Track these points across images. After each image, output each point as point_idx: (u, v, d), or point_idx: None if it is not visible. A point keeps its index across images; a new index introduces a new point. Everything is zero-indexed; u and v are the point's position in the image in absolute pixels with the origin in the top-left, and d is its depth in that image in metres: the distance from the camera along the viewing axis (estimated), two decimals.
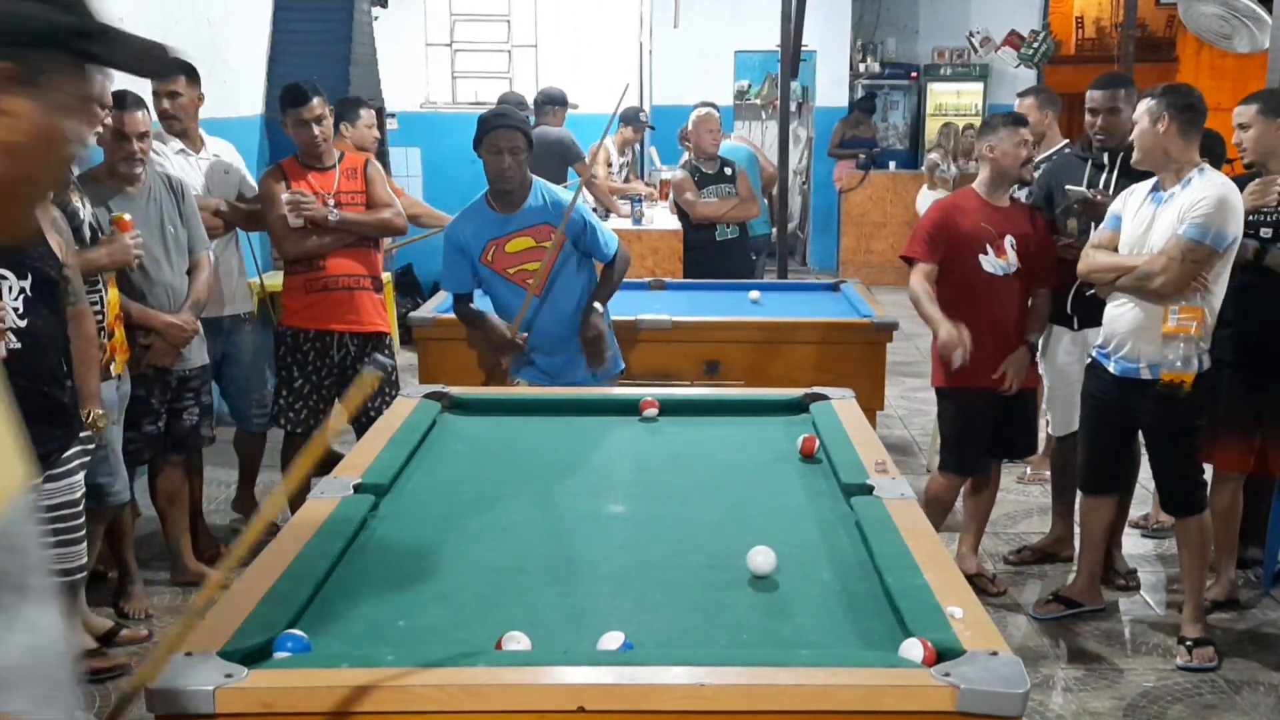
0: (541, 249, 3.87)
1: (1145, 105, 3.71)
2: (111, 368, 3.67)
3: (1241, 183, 3.90)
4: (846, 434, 2.93)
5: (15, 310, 3.01)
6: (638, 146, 9.31)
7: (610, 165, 7.79)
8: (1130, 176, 4.03)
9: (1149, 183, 3.79)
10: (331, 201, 4.33)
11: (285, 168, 4.41)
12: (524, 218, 3.91)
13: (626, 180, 8.20)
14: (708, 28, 10.97)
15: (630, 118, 8.09)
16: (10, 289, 2.99)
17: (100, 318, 3.55)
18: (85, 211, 3.64)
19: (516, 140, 3.84)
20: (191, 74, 4.56)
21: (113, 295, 3.70)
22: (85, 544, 3.31)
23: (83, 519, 3.28)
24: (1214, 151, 4.68)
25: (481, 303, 4.14)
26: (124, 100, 3.93)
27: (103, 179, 3.98)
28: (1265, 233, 3.88)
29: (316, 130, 4.31)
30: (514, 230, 3.89)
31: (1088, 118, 4.36)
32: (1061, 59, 12.02)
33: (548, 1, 10.05)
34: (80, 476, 3.26)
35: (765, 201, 7.71)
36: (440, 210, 5.86)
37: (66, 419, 3.19)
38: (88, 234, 3.62)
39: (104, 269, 3.65)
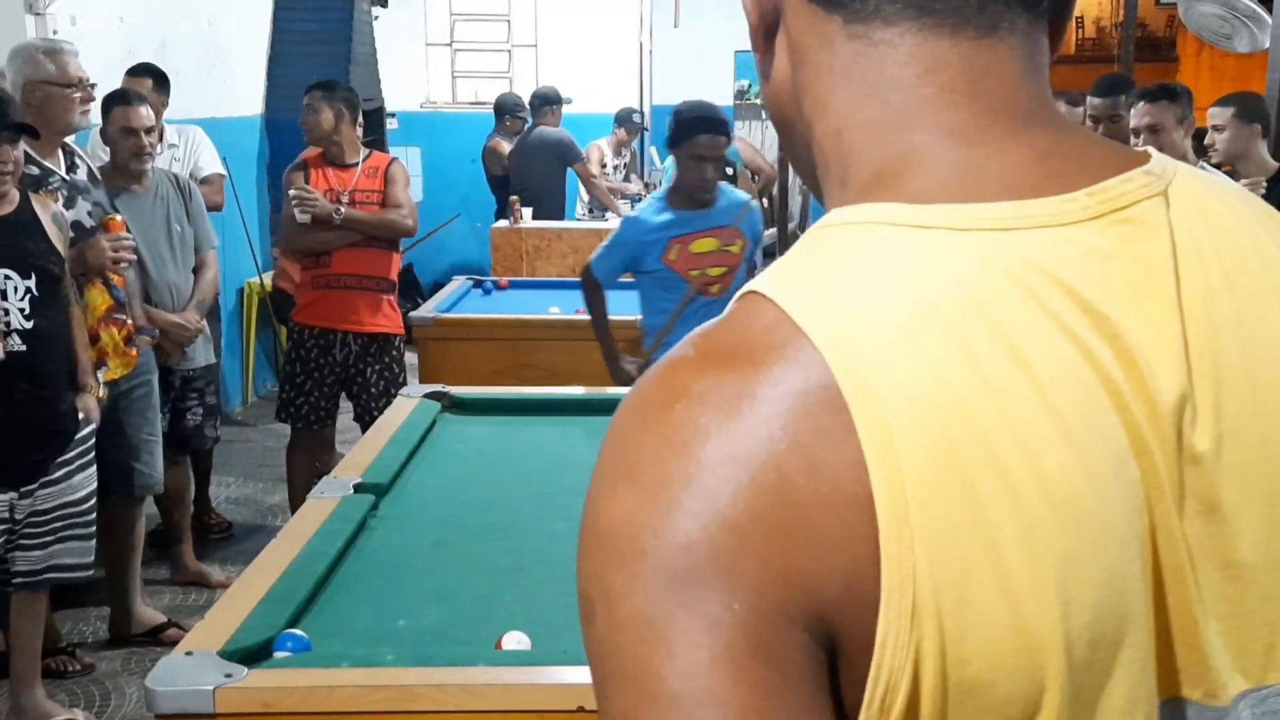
0: (725, 253, 3.63)
1: (1163, 112, 3.69)
2: (101, 373, 3.49)
3: None
4: None
5: (22, 311, 2.97)
6: (637, 146, 9.31)
7: (604, 166, 7.80)
8: None
9: None
10: (345, 199, 4.32)
11: (309, 161, 4.44)
12: (710, 218, 3.64)
13: (627, 179, 8.20)
14: (708, 28, 10.95)
15: (624, 118, 8.10)
16: (15, 289, 2.96)
17: None
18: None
19: (721, 148, 3.57)
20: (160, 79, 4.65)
21: (93, 297, 3.52)
22: (92, 542, 3.29)
23: (91, 517, 3.27)
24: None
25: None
26: (128, 97, 3.96)
27: (109, 177, 3.99)
28: None
29: (312, 122, 4.37)
30: (700, 230, 3.61)
31: (1088, 124, 4.37)
32: (1061, 59, 11.88)
33: (548, 1, 10.05)
34: (82, 477, 3.24)
35: (764, 202, 7.71)
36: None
37: (65, 425, 3.16)
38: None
39: (77, 273, 3.48)
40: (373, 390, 4.43)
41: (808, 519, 0.52)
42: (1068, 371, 0.56)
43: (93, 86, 3.74)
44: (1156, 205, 0.61)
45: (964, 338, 0.55)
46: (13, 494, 3.07)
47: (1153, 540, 0.57)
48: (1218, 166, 4.17)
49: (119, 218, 3.70)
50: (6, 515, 3.07)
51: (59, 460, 3.17)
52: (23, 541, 3.14)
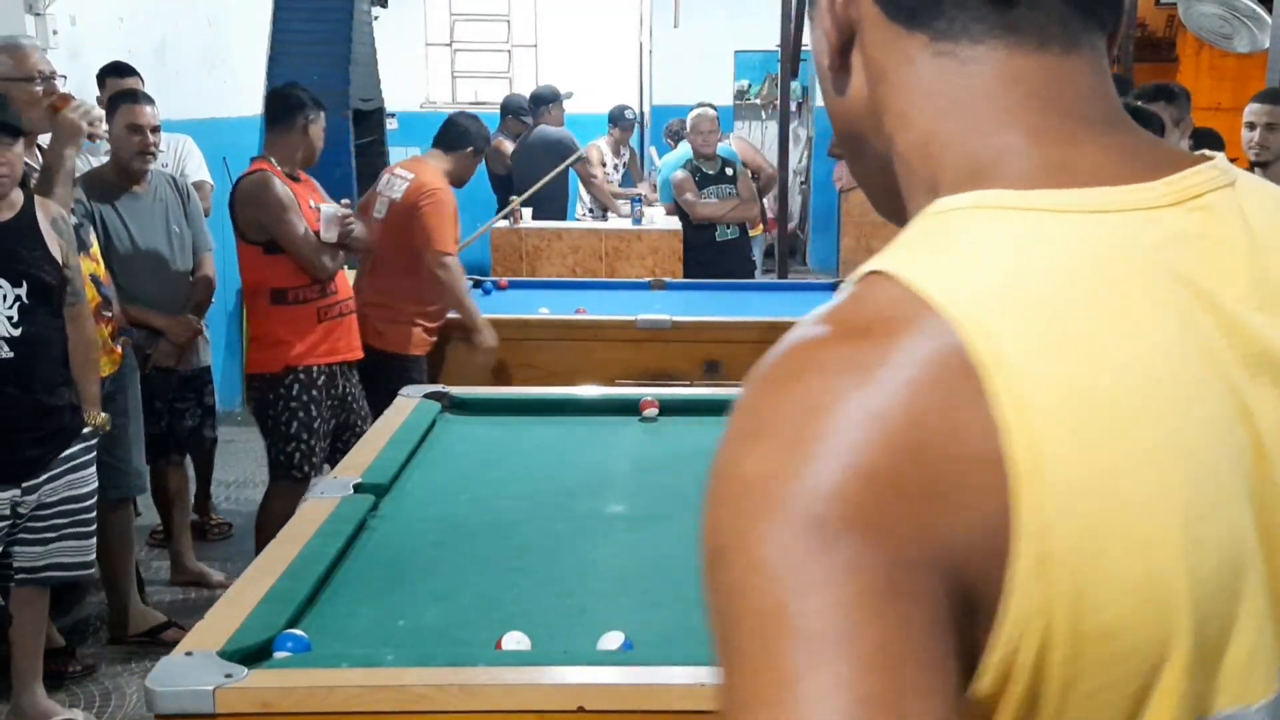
0: None
1: (1160, 112, 3.67)
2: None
3: None
4: None
5: (9, 319, 2.97)
6: (636, 146, 9.31)
7: (604, 166, 7.81)
8: None
9: None
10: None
11: (278, 174, 4.00)
12: None
13: (628, 177, 8.21)
14: (708, 28, 10.97)
15: (616, 117, 8.10)
16: (5, 297, 2.96)
17: None
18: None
19: None
20: None
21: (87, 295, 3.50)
22: (92, 540, 3.30)
23: (91, 515, 3.28)
24: (1214, 150, 4.65)
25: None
26: (136, 95, 3.97)
27: (108, 178, 3.99)
28: None
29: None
30: None
31: None
32: None
33: (548, 1, 10.06)
34: (87, 473, 3.26)
35: (765, 202, 7.71)
36: None
37: (64, 421, 3.17)
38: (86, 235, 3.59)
39: (69, 154, 3.45)
40: (362, 408, 4.12)
41: (942, 475, 0.55)
42: (1178, 338, 0.59)
43: (63, 79, 3.64)
44: (1228, 194, 0.64)
45: (1082, 305, 0.58)
46: (15, 490, 3.07)
47: (1258, 503, 0.60)
48: (1261, 166, 4.14)
49: (66, 94, 3.56)
50: (8, 513, 3.07)
51: (63, 455, 3.18)
52: (23, 536, 3.14)
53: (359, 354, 4.09)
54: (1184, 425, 0.58)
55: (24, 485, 3.10)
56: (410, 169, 4.33)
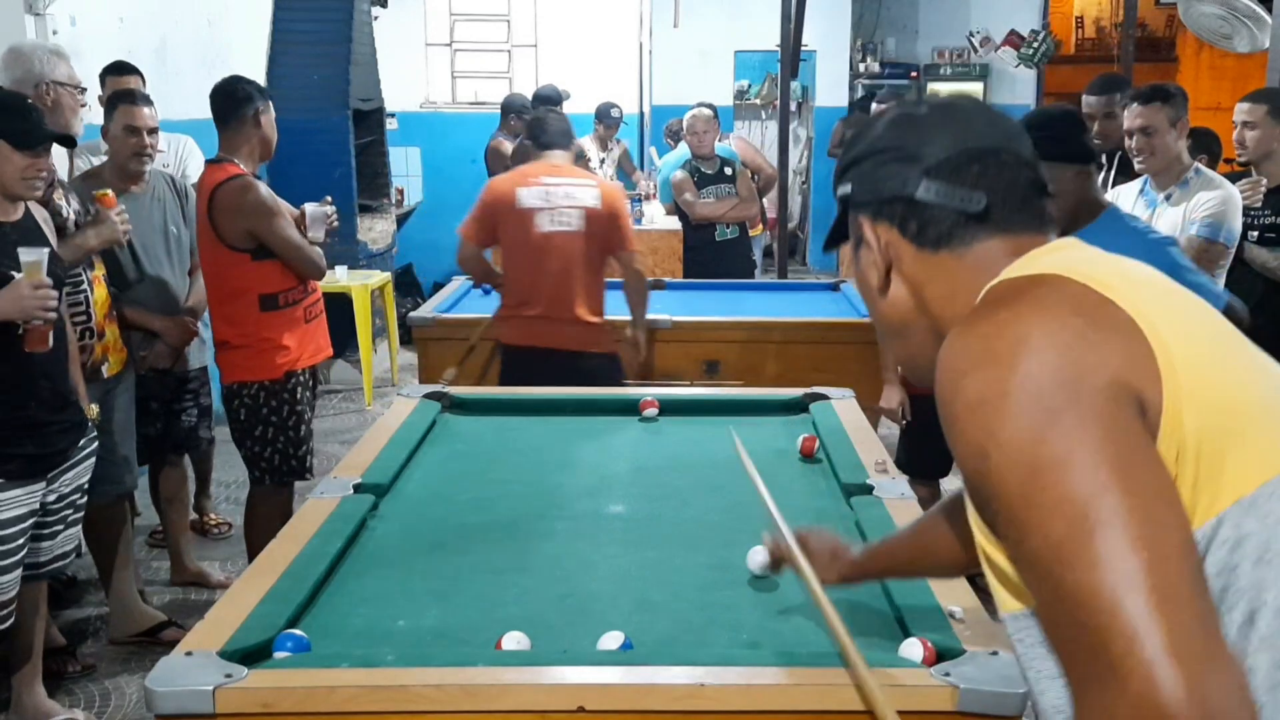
0: None
1: (1155, 113, 3.64)
2: (104, 369, 3.63)
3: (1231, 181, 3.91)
4: (846, 434, 2.93)
5: None
6: (635, 146, 9.30)
7: (589, 162, 7.81)
8: (1127, 175, 4.05)
9: (1135, 184, 3.78)
10: None
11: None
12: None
13: (620, 173, 8.21)
14: (708, 28, 10.96)
15: (602, 113, 8.10)
16: None
17: (87, 318, 3.51)
18: (69, 209, 3.56)
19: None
20: None
21: (100, 294, 3.60)
22: (79, 527, 3.34)
23: (85, 500, 3.32)
24: (1211, 150, 4.68)
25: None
26: (134, 96, 3.95)
27: (106, 178, 3.98)
28: (1252, 235, 3.90)
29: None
30: None
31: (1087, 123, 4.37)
32: (1061, 59, 12.01)
33: (548, 1, 10.05)
34: (91, 463, 3.30)
35: (765, 202, 7.71)
36: None
37: (79, 412, 3.23)
38: (73, 229, 3.59)
39: (94, 250, 3.52)
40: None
41: (1105, 327, 0.98)
42: (1147, 269, 1.14)
43: (83, 91, 3.79)
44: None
45: (1109, 265, 1.10)
46: (41, 483, 3.09)
47: None
48: (1245, 164, 4.15)
49: (109, 193, 3.62)
50: (37, 507, 3.09)
51: (80, 445, 3.22)
52: (37, 533, 3.14)
53: (330, 351, 4.05)
54: (1177, 298, 1.09)
55: (49, 477, 3.12)
56: (577, 175, 4.20)
